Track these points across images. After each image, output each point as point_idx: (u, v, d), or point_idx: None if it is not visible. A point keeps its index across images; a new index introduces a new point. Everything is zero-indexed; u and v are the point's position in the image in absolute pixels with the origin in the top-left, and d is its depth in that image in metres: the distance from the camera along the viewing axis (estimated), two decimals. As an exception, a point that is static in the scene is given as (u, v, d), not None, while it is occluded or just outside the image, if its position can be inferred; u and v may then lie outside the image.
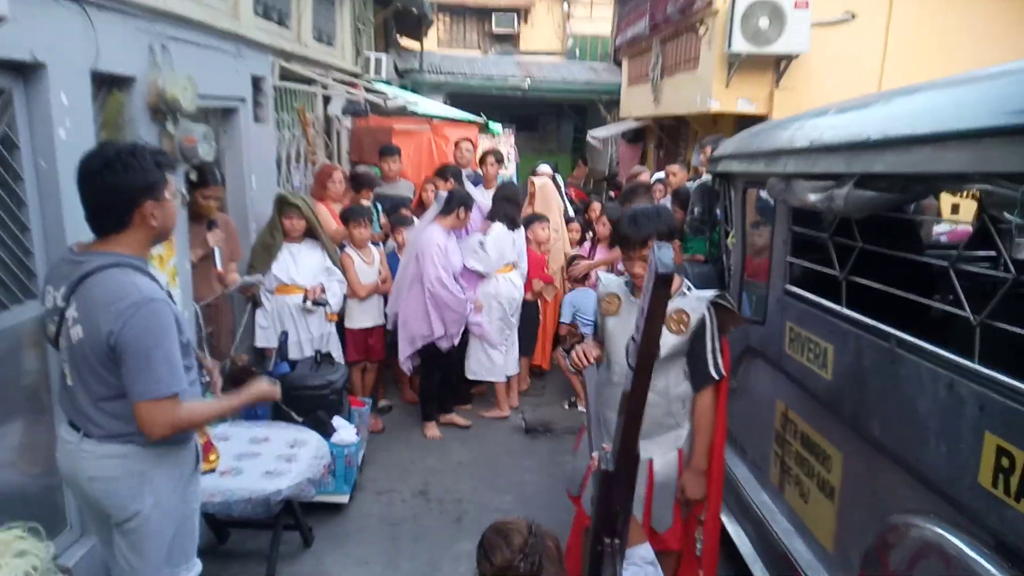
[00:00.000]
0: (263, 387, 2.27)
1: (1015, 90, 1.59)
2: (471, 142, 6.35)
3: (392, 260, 5.04)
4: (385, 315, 4.86)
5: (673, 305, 2.48)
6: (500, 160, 6.32)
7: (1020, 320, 1.59)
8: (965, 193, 3.84)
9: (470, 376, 5.12)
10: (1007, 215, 1.50)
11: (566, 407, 5.44)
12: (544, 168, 7.07)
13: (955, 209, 4.74)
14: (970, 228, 3.58)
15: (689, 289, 2.57)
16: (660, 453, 2.55)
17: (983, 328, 1.68)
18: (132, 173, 1.91)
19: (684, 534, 2.62)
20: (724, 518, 2.97)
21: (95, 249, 1.97)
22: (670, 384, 2.54)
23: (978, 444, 1.63)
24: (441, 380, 4.91)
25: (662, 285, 1.63)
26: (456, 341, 4.80)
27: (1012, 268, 1.64)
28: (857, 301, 2.32)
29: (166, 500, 2.07)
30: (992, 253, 3.04)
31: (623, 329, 2.55)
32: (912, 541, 1.84)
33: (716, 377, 2.50)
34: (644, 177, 5.89)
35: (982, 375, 1.66)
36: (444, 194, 4.73)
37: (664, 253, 1.62)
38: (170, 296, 2.05)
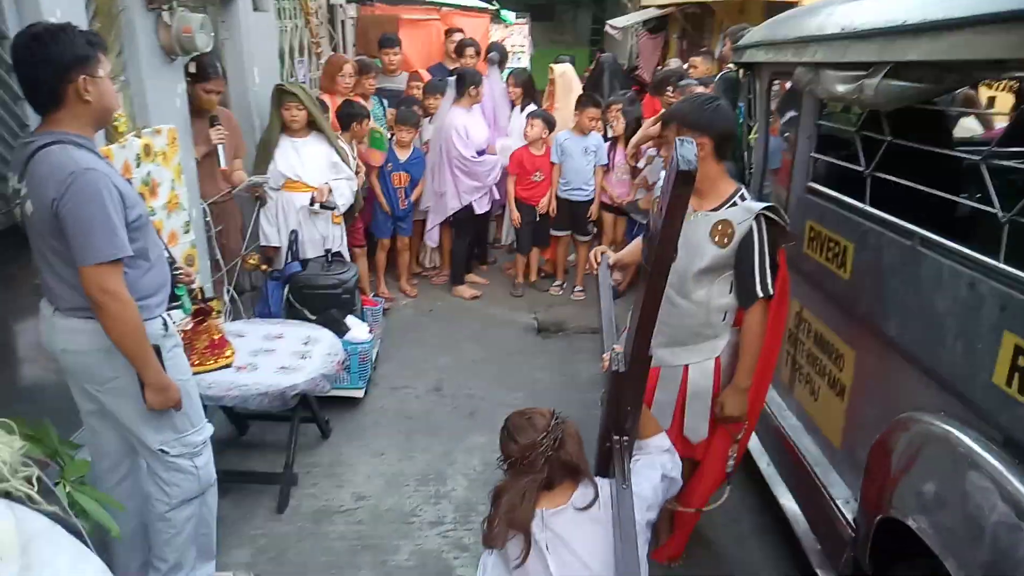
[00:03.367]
0: (173, 391, 2.16)
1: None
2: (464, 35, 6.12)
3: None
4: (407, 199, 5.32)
5: (718, 216, 2.31)
6: (478, 53, 6.06)
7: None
8: (1002, 85, 3.65)
9: (507, 241, 6.14)
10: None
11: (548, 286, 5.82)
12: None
13: (991, 102, 4.52)
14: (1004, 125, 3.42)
15: (743, 199, 2.35)
16: (696, 360, 2.45)
17: (1011, 226, 1.61)
18: (60, 45, 1.93)
19: (712, 447, 2.56)
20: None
21: (41, 130, 2.02)
22: (712, 295, 2.37)
23: (996, 343, 1.60)
24: (468, 245, 5.65)
25: (683, 183, 1.56)
26: (488, 207, 5.51)
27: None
28: (881, 199, 2.24)
29: None
30: (1026, 149, 2.92)
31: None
32: (918, 436, 1.84)
33: (761, 295, 2.30)
34: (674, 64, 5.62)
35: (1006, 274, 1.61)
36: (452, 79, 5.05)
37: (687, 149, 1.54)
38: (128, 181, 2.15)
